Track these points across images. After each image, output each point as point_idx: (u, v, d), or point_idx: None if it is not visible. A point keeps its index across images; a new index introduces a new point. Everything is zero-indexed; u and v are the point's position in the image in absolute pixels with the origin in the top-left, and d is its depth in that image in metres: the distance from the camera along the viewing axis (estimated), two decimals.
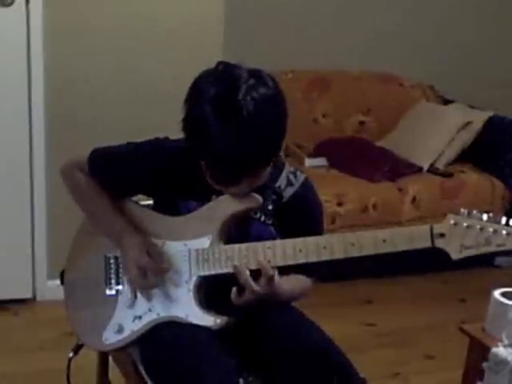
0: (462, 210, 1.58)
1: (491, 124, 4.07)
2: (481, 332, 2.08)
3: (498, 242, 1.54)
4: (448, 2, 4.51)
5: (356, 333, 3.20)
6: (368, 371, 1.77)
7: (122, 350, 1.89)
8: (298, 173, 1.85)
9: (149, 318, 1.78)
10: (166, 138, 1.84)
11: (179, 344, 1.70)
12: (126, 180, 1.84)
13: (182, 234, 1.77)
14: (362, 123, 4.29)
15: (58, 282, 1.99)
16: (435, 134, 4.01)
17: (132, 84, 3.16)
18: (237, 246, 1.71)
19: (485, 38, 4.62)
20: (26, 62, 3.00)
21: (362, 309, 3.49)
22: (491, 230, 1.54)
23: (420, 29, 4.46)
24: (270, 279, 1.66)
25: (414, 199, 3.78)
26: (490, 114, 4.10)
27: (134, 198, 1.89)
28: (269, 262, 1.67)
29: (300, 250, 1.66)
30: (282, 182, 1.81)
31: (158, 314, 1.78)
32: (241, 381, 1.73)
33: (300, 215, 1.81)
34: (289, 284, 1.76)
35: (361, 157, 3.92)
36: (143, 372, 1.82)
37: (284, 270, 1.71)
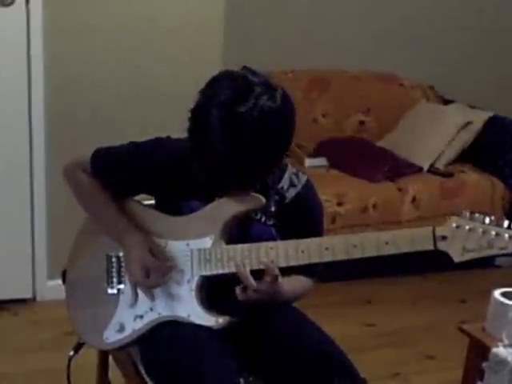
0: (464, 212, 1.57)
1: (491, 124, 4.07)
2: (481, 332, 2.08)
3: (500, 245, 1.53)
4: (448, 2, 4.51)
5: (356, 333, 3.20)
6: (368, 371, 1.77)
7: (122, 350, 1.90)
8: (300, 174, 1.86)
9: (150, 318, 1.79)
10: (168, 138, 1.84)
11: (180, 343, 1.70)
12: (128, 180, 1.84)
13: (185, 233, 1.77)
14: (362, 123, 4.28)
15: (58, 281, 1.99)
16: (435, 134, 4.01)
17: (132, 84, 3.15)
18: (239, 246, 1.71)
19: (485, 38, 4.62)
20: (26, 62, 3.00)
21: (362, 309, 3.49)
22: (494, 233, 1.53)
23: (420, 29, 4.45)
24: (275, 279, 1.66)
25: (413, 199, 3.78)
26: (490, 114, 4.10)
27: (137, 198, 1.89)
28: (272, 262, 1.67)
29: (302, 251, 1.66)
30: (284, 183, 1.82)
31: (160, 314, 1.78)
32: (241, 381, 1.73)
33: (301, 215, 1.82)
34: (290, 284, 1.76)
35: (361, 157, 3.92)
36: (143, 372, 1.82)
37: (285, 271, 1.71)
